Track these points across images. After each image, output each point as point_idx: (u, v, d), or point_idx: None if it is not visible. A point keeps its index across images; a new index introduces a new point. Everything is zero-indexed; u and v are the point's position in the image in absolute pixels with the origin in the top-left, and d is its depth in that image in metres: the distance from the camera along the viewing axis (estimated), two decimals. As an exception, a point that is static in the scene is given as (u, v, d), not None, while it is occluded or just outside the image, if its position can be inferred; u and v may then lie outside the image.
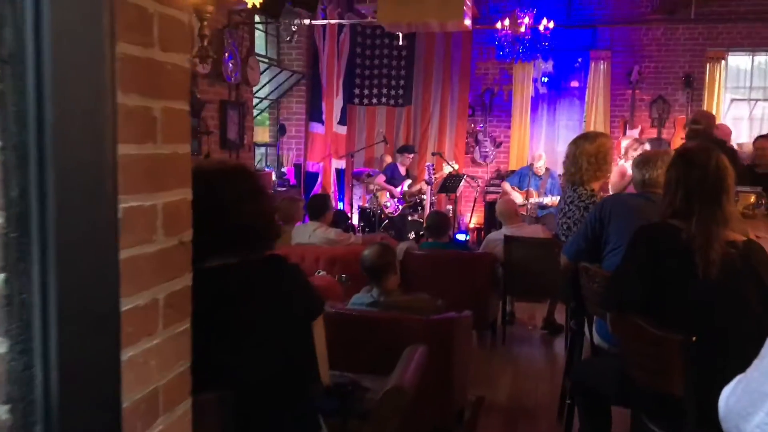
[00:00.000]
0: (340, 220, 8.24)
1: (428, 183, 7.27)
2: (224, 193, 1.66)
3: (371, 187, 7.89)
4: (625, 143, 7.31)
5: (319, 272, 4.37)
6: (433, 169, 7.39)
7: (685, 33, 8.66)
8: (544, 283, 4.99)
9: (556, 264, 4.99)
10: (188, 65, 1.11)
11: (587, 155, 3.38)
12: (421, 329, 2.96)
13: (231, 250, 1.66)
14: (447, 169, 7.74)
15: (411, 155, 7.98)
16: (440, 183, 7.78)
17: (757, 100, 8.57)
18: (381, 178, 7.93)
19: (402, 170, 8.00)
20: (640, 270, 2.02)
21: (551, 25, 7.55)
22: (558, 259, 4.20)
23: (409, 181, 7.92)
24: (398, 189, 7.85)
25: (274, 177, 7.52)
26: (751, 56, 8.69)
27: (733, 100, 8.61)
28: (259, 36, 7.86)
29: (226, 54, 5.77)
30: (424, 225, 5.17)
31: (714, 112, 8.61)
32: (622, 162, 7.02)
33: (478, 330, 5.16)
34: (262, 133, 8.26)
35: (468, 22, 5.46)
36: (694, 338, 1.80)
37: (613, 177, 5.02)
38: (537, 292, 5.18)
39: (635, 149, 6.59)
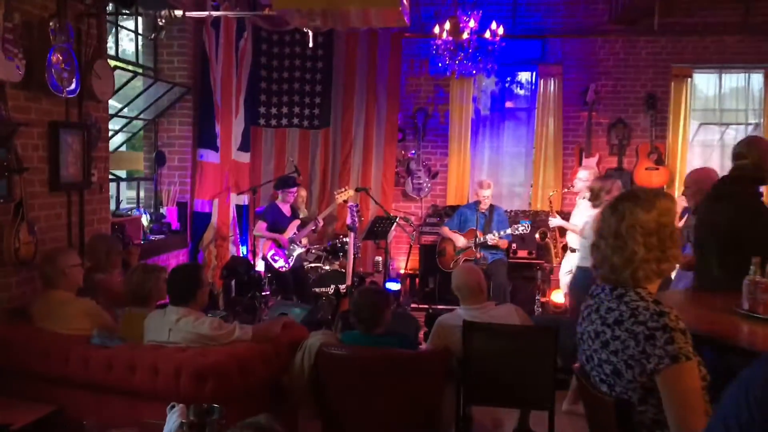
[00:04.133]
0: (243, 271, 6.50)
1: (351, 229, 5.63)
2: None
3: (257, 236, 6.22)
4: (583, 175, 5.95)
5: (173, 407, 2.64)
6: (357, 211, 5.75)
7: (647, 47, 7.49)
8: (518, 387, 3.53)
9: (535, 360, 3.56)
10: None
11: (644, 233, 1.82)
12: None
13: None
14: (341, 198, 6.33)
15: (293, 189, 6.31)
16: (366, 228, 6.15)
17: (728, 124, 7.45)
18: (261, 226, 6.24)
19: (286, 209, 6.35)
20: None
21: (501, 30, 6.13)
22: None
23: (297, 223, 6.26)
24: (287, 235, 6.17)
25: (145, 222, 5.66)
26: (719, 74, 7.58)
27: (701, 124, 7.46)
28: (130, 38, 6.06)
29: (58, 56, 3.96)
30: (350, 308, 3.52)
31: (680, 138, 7.48)
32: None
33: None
34: (136, 161, 6.41)
35: (406, 18, 3.92)
36: None
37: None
38: (507, 397, 3.64)
39: (607, 190, 5.21)
